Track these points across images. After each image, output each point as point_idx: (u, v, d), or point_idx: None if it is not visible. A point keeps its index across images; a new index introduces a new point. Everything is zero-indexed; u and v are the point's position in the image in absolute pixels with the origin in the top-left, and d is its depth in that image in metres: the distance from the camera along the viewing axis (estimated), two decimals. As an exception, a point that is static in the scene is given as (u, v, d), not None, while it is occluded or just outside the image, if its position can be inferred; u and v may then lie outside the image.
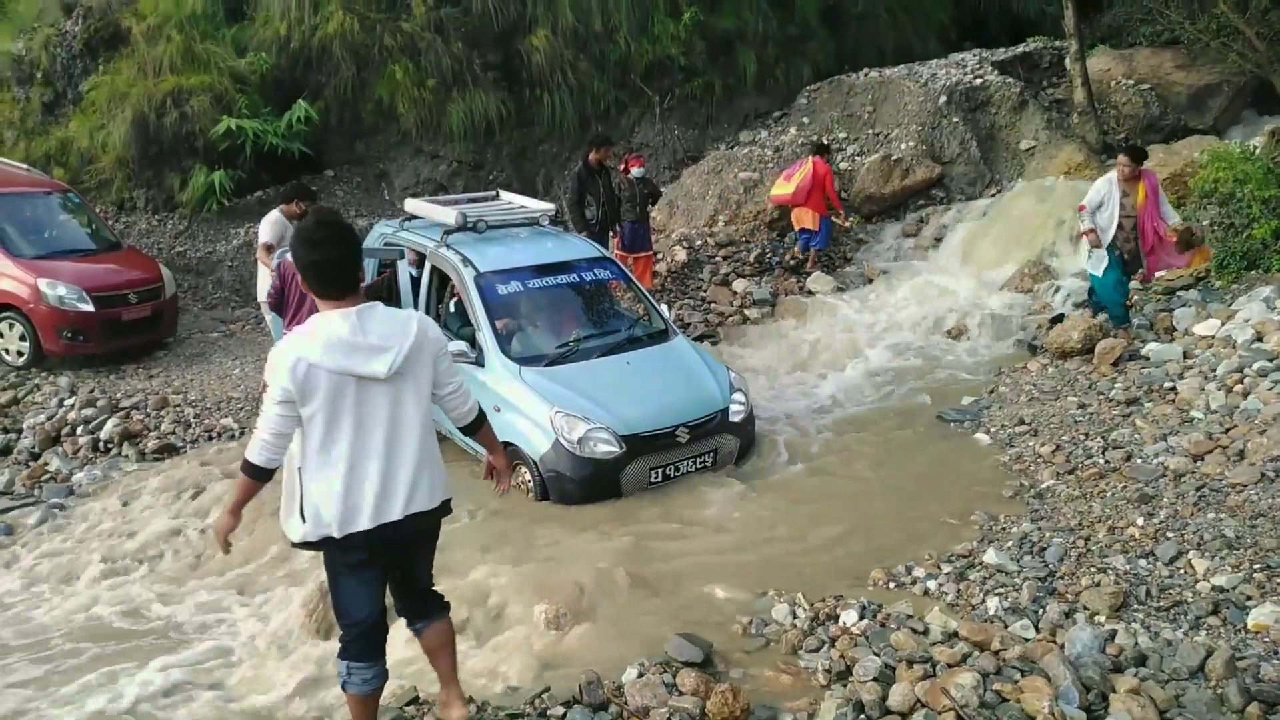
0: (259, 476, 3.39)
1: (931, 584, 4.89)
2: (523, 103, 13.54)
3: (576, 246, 7.74)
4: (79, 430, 8.04)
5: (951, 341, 9.65)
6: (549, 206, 8.14)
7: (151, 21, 12.46)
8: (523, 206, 8.21)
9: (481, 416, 3.75)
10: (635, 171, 10.17)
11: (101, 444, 7.89)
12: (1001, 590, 4.70)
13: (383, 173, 13.51)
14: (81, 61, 12.71)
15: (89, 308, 9.31)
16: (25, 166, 10.96)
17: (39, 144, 12.58)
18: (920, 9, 16.56)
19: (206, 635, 5.35)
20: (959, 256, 11.75)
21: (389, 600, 3.71)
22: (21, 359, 9.34)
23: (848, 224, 12.15)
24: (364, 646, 3.57)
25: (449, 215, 7.45)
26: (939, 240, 12.26)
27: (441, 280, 7.52)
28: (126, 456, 7.73)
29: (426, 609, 3.80)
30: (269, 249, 7.98)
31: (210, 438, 8.03)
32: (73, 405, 8.42)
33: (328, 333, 3.27)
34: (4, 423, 8.30)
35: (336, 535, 3.36)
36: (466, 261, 7.08)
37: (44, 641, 5.30)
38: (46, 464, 7.66)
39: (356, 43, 12.71)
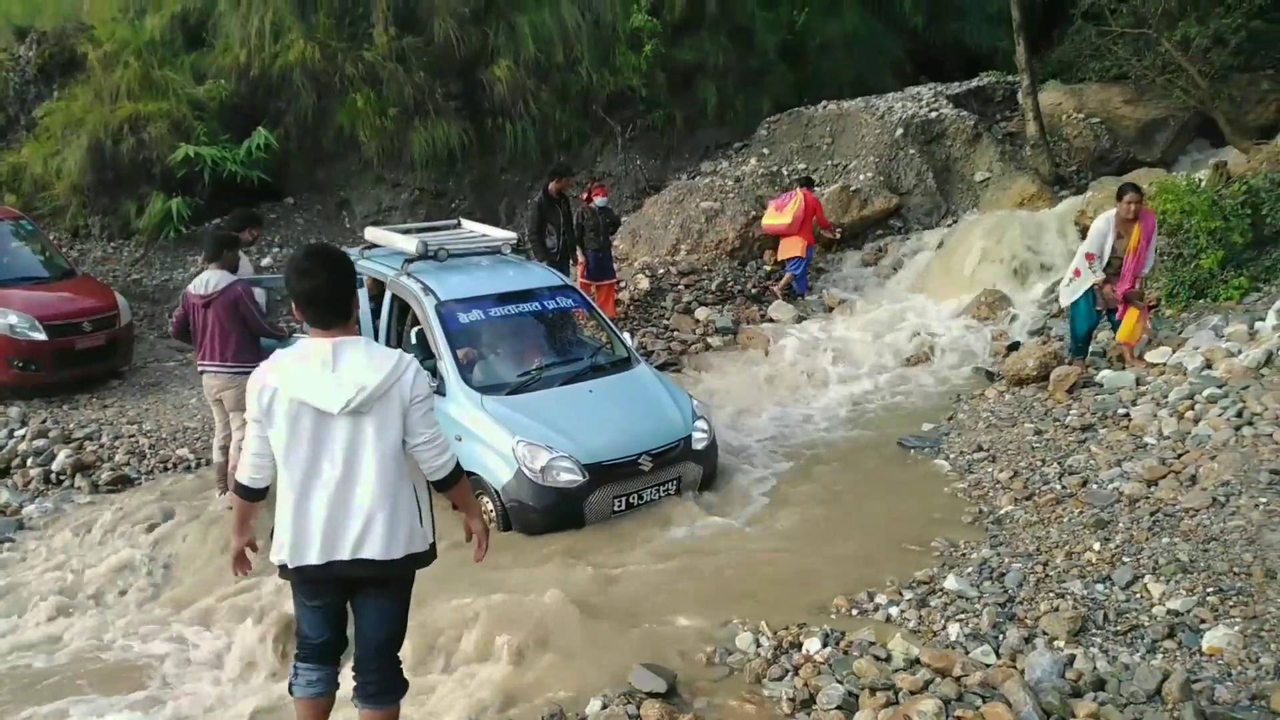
0: (247, 496, 3.52)
1: (894, 610, 4.92)
2: (485, 132, 13.59)
3: (538, 275, 7.75)
4: (30, 461, 7.86)
5: (911, 369, 9.77)
6: (510, 235, 8.16)
7: (109, 48, 12.37)
8: (484, 235, 8.21)
9: (454, 475, 3.53)
10: (598, 200, 10.23)
11: (53, 476, 7.72)
12: (962, 616, 4.74)
13: (344, 200, 13.46)
14: (35, 87, 12.57)
15: (41, 336, 9.14)
16: (-26, 193, 10.77)
17: (-10, 171, 12.38)
18: (876, 44, 16.90)
19: (163, 669, 5.24)
20: (917, 285, 11.95)
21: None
22: (-30, 389, 9.13)
23: (838, 235, 12.63)
24: (314, 655, 3.61)
25: (410, 243, 7.43)
26: (897, 269, 12.47)
27: (402, 309, 7.47)
28: (79, 488, 7.57)
29: (370, 679, 3.57)
30: None
31: (166, 469, 7.89)
32: (23, 436, 8.23)
33: (300, 361, 3.31)
34: (-49, 455, 8.08)
35: (289, 564, 3.39)
36: (427, 290, 7.05)
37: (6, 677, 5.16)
38: (-5, 497, 7.47)
39: (317, 70, 12.70)
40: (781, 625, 4.82)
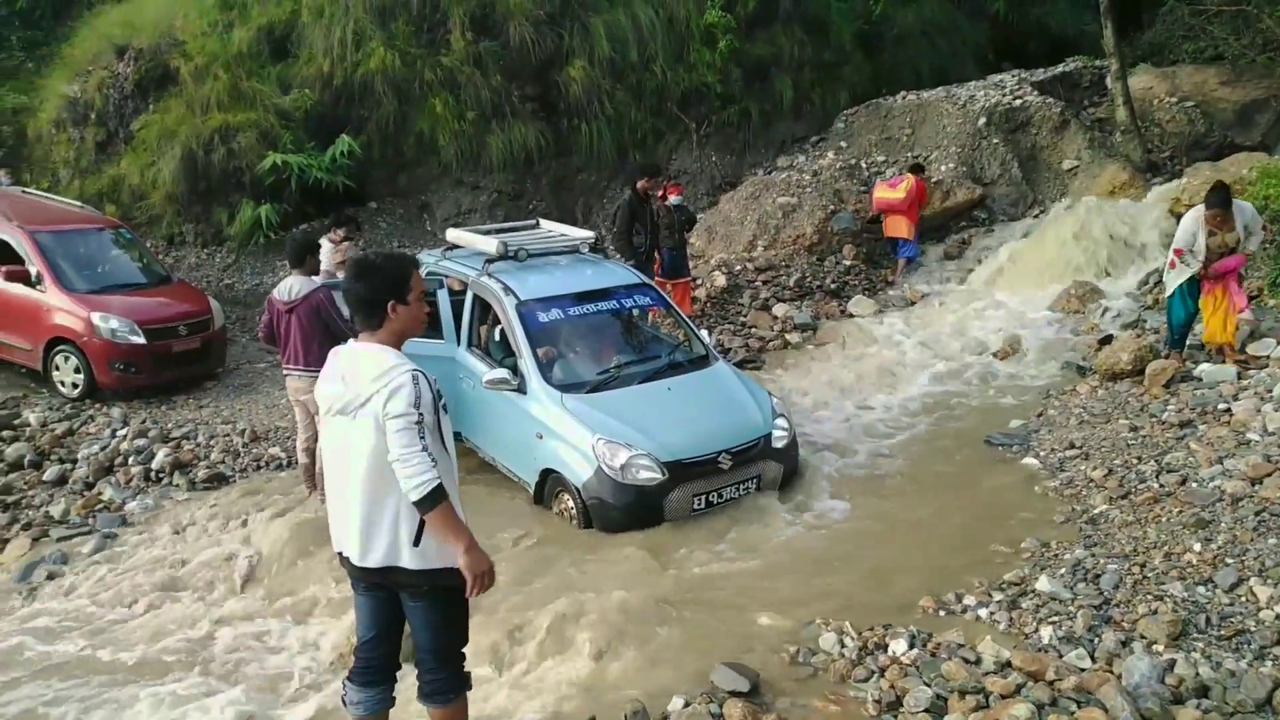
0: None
1: (983, 612, 4.80)
2: (561, 133, 13.71)
3: (616, 273, 7.76)
4: (131, 460, 8.17)
5: (998, 364, 9.50)
6: (588, 234, 8.19)
7: (199, 61, 12.80)
8: (563, 234, 8.27)
9: (427, 501, 3.24)
10: (673, 199, 10.22)
11: (153, 473, 8.00)
12: (1055, 619, 4.59)
13: (424, 204, 13.70)
14: (133, 102, 13.06)
15: (140, 340, 9.50)
16: (79, 204, 11.24)
17: (92, 182, 12.93)
18: (957, 31, 16.54)
19: (249, 660, 5.39)
20: (1003, 277, 11.63)
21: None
22: (76, 391, 9.53)
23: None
24: (360, 667, 3.74)
25: (490, 244, 7.51)
26: (981, 261, 12.17)
27: (484, 309, 7.56)
28: (177, 485, 7.84)
29: (425, 679, 3.66)
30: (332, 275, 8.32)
31: (258, 467, 8.13)
32: (125, 435, 8.57)
33: (332, 362, 3.57)
34: (60, 453, 8.43)
35: (336, 550, 3.67)
36: (508, 290, 7.12)
37: (96, 668, 5.36)
38: (100, 493, 7.78)
39: (397, 77, 12.95)
40: (866, 625, 4.75)
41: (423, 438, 3.27)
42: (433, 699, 3.68)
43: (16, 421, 8.86)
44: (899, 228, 12.08)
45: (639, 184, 9.63)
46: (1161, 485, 5.91)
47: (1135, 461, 6.35)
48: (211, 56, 12.90)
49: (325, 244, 9.01)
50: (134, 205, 12.62)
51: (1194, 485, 5.78)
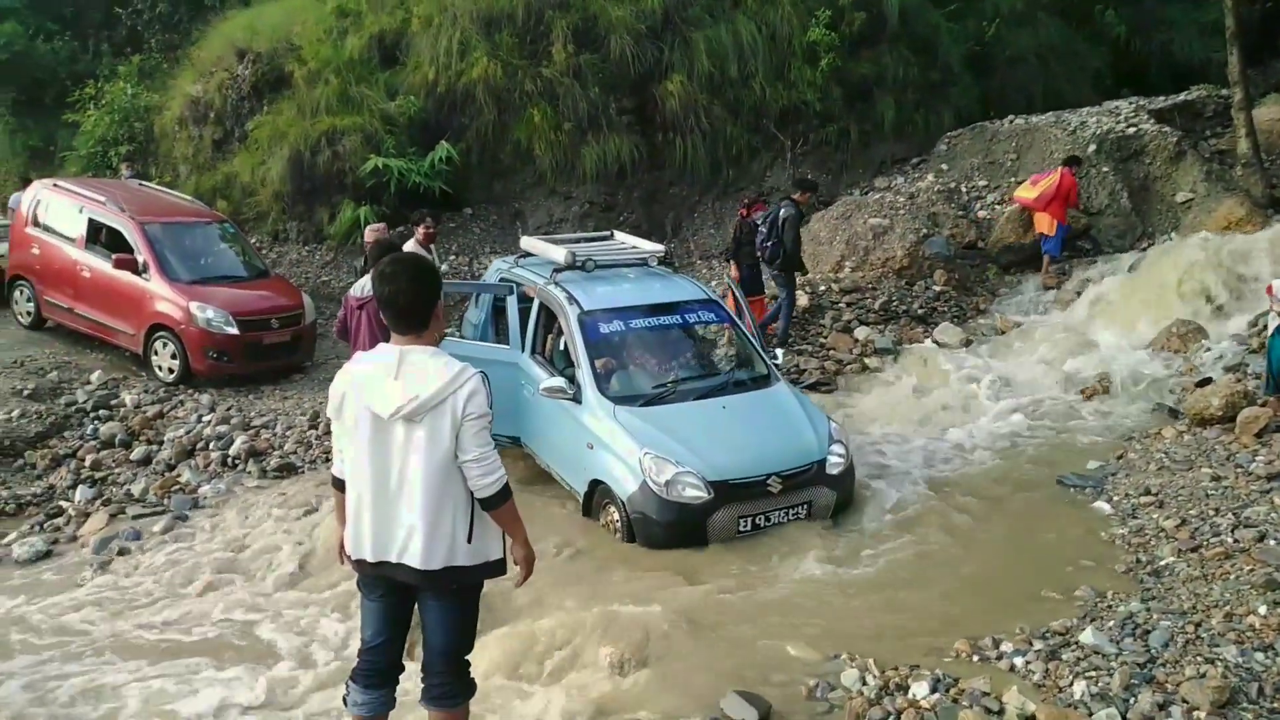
0: (338, 486, 3.69)
1: (1018, 660, 4.56)
2: (655, 146, 13.77)
3: (684, 288, 7.72)
4: (212, 445, 8.53)
5: (1085, 402, 9.07)
6: (659, 248, 8.19)
7: (313, 66, 13.36)
8: (634, 247, 8.28)
9: (498, 497, 3.45)
10: (758, 216, 10.16)
11: (230, 459, 8.34)
12: (1093, 673, 4.32)
13: (518, 212, 13.93)
14: (249, 103, 13.73)
15: (234, 330, 9.92)
16: (190, 198, 11.84)
17: (208, 178, 13.63)
18: (1074, 55, 15.93)
19: (291, 647, 5.54)
20: (1102, 311, 11.09)
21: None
22: (172, 375, 10.02)
23: (1082, 223, 12.38)
24: (365, 669, 3.71)
25: (559, 253, 7.58)
26: (1080, 293, 11.63)
27: (550, 317, 7.62)
28: (250, 473, 8.14)
29: (434, 682, 3.66)
30: None
31: (328, 459, 8.35)
32: (210, 421, 8.96)
33: (370, 365, 3.46)
34: (148, 434, 8.88)
35: (351, 556, 3.56)
36: (572, 299, 7.17)
37: (147, 645, 5.60)
38: (179, 475, 8.15)
39: (499, 87, 13.24)
40: (892, 664, 4.57)
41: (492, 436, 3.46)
42: (439, 703, 3.69)
43: (114, 402, 9.37)
44: (1040, 224, 11.95)
45: (797, 196, 10.28)
46: (1236, 540, 5.53)
47: (1212, 513, 5.95)
48: (324, 62, 13.45)
49: (411, 243, 9.15)
50: (243, 201, 13.24)
51: (1272, 543, 5.39)
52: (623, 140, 13.47)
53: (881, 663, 4.58)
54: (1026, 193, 12.04)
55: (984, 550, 6.13)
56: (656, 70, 13.72)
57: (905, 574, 5.82)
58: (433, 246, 9.59)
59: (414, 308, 3.41)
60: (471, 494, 3.45)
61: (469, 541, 3.48)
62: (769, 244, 10.03)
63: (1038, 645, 4.69)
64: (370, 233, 9.82)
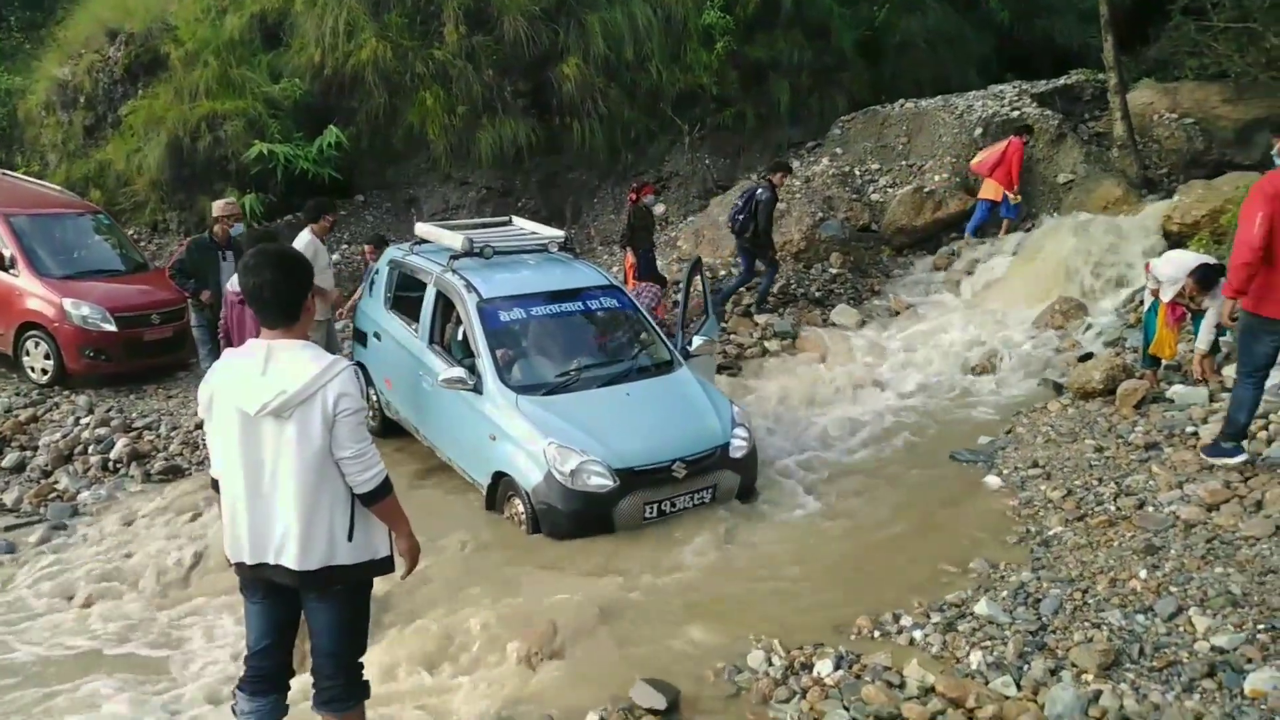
0: (214, 487, 3.55)
1: (918, 634, 4.68)
2: (552, 130, 13.60)
3: (585, 274, 7.65)
4: (90, 449, 8.10)
5: (975, 379, 9.36)
6: (558, 233, 8.09)
7: (190, 47, 12.75)
8: (533, 233, 8.17)
9: (378, 492, 3.37)
10: (647, 199, 10.15)
11: (110, 464, 7.93)
12: (988, 643, 4.46)
13: (412, 198, 13.62)
14: (122, 86, 13.04)
15: (111, 328, 9.44)
16: (58, 188, 11.20)
17: (79, 166, 12.91)
18: (961, 41, 16.35)
19: (185, 656, 5.31)
20: (990, 291, 11.46)
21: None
22: (46, 377, 9.49)
23: (1016, 198, 12.39)
24: (251, 675, 3.61)
25: (456, 240, 7.42)
26: (970, 274, 12.00)
27: (447, 306, 7.46)
28: (132, 477, 7.76)
29: (324, 685, 3.57)
30: None
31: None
32: (88, 424, 8.51)
33: (238, 361, 3.34)
34: (21, 440, 8.38)
35: (230, 559, 3.47)
36: (470, 287, 7.03)
37: (29, 663, 5.29)
38: (56, 482, 7.71)
39: (389, 69, 12.87)
40: (797, 644, 4.64)
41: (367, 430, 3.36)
42: (330, 706, 3.59)
43: (-19, 406, 8.82)
44: (985, 191, 12.30)
45: (774, 178, 10.61)
46: (1118, 509, 5.78)
47: (1095, 483, 6.21)
48: (203, 43, 12.86)
49: (309, 236, 8.73)
50: (119, 191, 12.59)
51: (1150, 510, 5.65)
52: (519, 124, 13.27)
53: (786, 643, 4.64)
54: (976, 159, 12.52)
55: (882, 527, 6.26)
56: (552, 53, 13.54)
57: (807, 554, 5.90)
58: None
59: (281, 300, 3.29)
60: (350, 490, 3.35)
61: (349, 539, 3.38)
62: (740, 217, 10.50)
63: (935, 618, 4.81)
64: (220, 207, 8.86)
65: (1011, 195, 12.24)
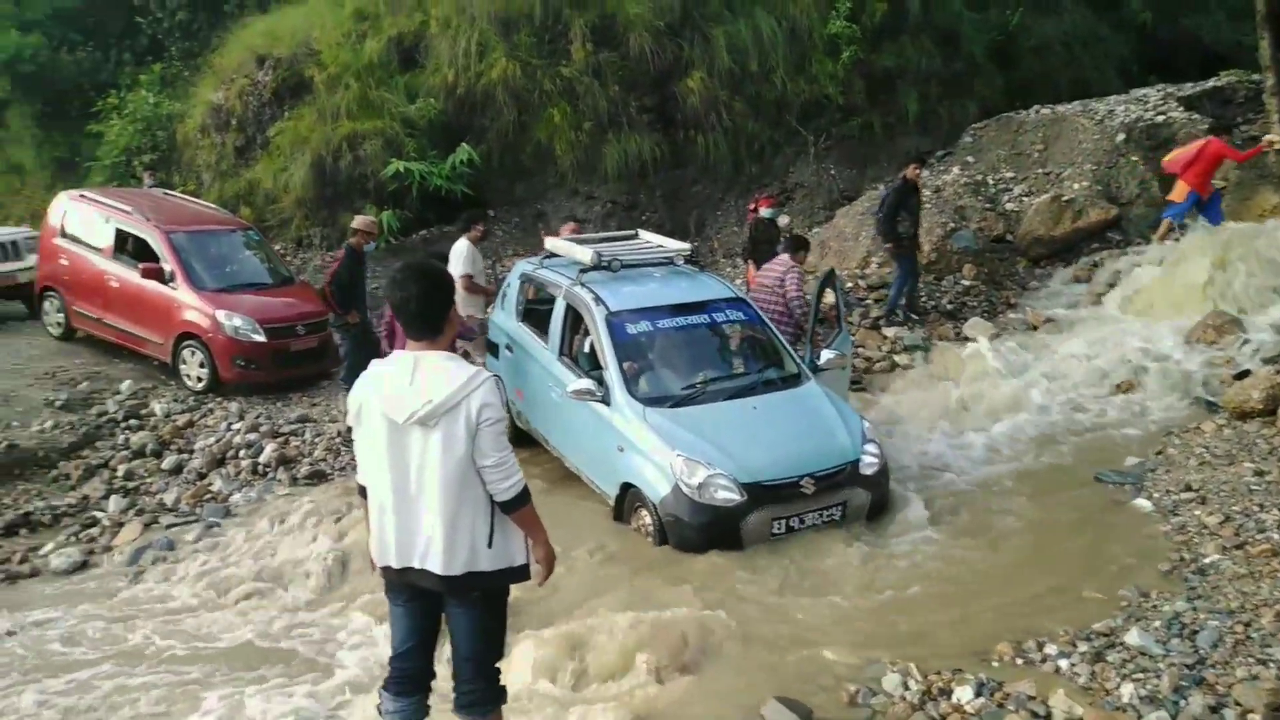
0: (362, 494, 3.68)
1: (1063, 663, 4.48)
2: (676, 144, 13.71)
3: (710, 287, 7.66)
4: (242, 453, 8.57)
5: (1120, 397, 8.91)
6: (684, 246, 8.12)
7: (332, 70, 13.38)
8: (659, 246, 8.22)
9: (518, 500, 3.49)
10: (764, 211, 10.11)
11: (260, 467, 8.36)
12: (1141, 675, 4.24)
13: (540, 213, 13.91)
14: (270, 109, 13.79)
15: (261, 338, 9.95)
16: (212, 206, 11.89)
17: (231, 185, 13.70)
18: (1099, 43, 15.72)
19: (331, 660, 5.52)
20: (1134, 304, 10.91)
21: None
22: (200, 384, 10.06)
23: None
24: (395, 676, 3.74)
25: (585, 254, 7.54)
26: (1113, 286, 11.46)
27: (576, 319, 7.57)
28: (280, 480, 8.15)
29: (463, 689, 3.67)
30: (470, 279, 8.68)
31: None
32: (239, 429, 8.99)
33: (386, 371, 3.47)
34: (179, 443, 8.92)
35: (377, 562, 3.60)
36: (598, 300, 7.13)
37: (184, 655, 5.61)
38: (210, 484, 8.18)
39: (518, 87, 13.22)
40: (934, 669, 4.50)
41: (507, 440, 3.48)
42: (470, 710, 3.69)
43: (144, 411, 9.43)
44: (1175, 192, 11.36)
45: (908, 172, 10.43)
46: (1283, 537, 5.41)
47: (1256, 509, 5.83)
48: (344, 66, 13.47)
49: (465, 244, 9.12)
50: (266, 208, 13.29)
51: (1320, 540, 5.27)
52: (644, 138, 13.43)
53: (923, 667, 4.51)
54: (1169, 157, 11.56)
55: (1022, 550, 6.03)
56: (676, 67, 13.66)
57: (943, 575, 5.74)
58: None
59: (426, 313, 3.43)
60: (490, 498, 3.46)
61: (489, 546, 3.48)
62: (878, 215, 10.60)
63: (1082, 647, 4.60)
64: (361, 223, 9.57)
65: (1202, 195, 11.34)
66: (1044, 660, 4.55)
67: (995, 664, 4.58)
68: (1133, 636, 4.56)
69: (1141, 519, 6.23)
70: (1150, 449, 7.41)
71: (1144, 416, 8.36)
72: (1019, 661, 4.58)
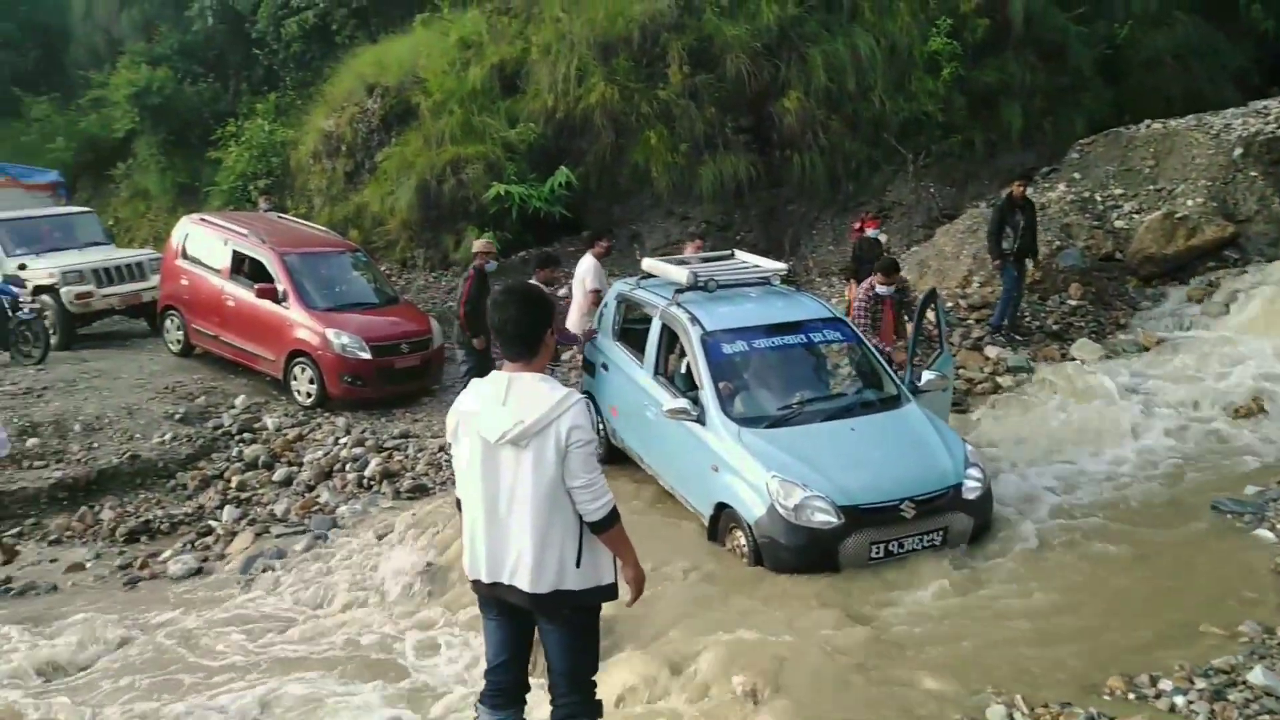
0: (458, 507, 3.76)
1: (1179, 700, 4.30)
2: (772, 164, 13.68)
3: (807, 306, 7.61)
4: (348, 467, 8.86)
5: (1239, 422, 8.54)
6: (781, 266, 8.11)
7: (437, 97, 13.81)
8: (755, 265, 8.21)
9: (607, 520, 3.52)
10: (870, 232, 9.99)
11: (365, 481, 8.63)
12: (1265, 717, 4.04)
13: (636, 234, 14.03)
14: (378, 135, 14.30)
15: (367, 355, 10.28)
16: (322, 228, 12.37)
17: (340, 209, 14.23)
18: (1214, 54, 15.10)
19: (430, 672, 5.65)
20: (1254, 325, 10.44)
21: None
22: (310, 399, 10.44)
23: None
24: (490, 690, 3.81)
25: (681, 274, 7.58)
26: (1230, 306, 10.98)
27: (672, 338, 7.61)
28: (384, 494, 8.40)
29: (558, 704, 3.72)
30: (598, 294, 8.98)
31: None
32: (345, 444, 9.30)
33: (483, 391, 3.56)
34: (289, 456, 9.27)
35: (469, 575, 3.69)
36: (694, 320, 7.15)
37: (287, 659, 5.82)
38: (318, 496, 8.48)
39: (616, 111, 13.40)
40: (1041, 701, 4.37)
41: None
42: None
43: (256, 425, 9.83)
44: None
45: (1014, 188, 10.54)
46: None
47: (1391, 543, 5.50)
48: (448, 93, 13.89)
49: (593, 260, 9.51)
50: (374, 230, 13.76)
51: None
52: (739, 159, 13.44)
53: (1030, 699, 4.39)
54: None
55: (1134, 581, 5.82)
56: (772, 87, 13.65)
57: (1049, 605, 5.56)
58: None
59: (523, 335, 3.51)
60: (580, 518, 3.50)
61: (578, 565, 3.52)
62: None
63: (1200, 684, 4.41)
64: (481, 245, 9.93)
65: None
66: (1158, 696, 4.38)
67: (1106, 698, 4.43)
68: (1256, 675, 4.35)
69: (1263, 550, 5.96)
70: (1272, 477, 7.08)
71: (1266, 442, 7.99)
72: (1131, 697, 4.42)
